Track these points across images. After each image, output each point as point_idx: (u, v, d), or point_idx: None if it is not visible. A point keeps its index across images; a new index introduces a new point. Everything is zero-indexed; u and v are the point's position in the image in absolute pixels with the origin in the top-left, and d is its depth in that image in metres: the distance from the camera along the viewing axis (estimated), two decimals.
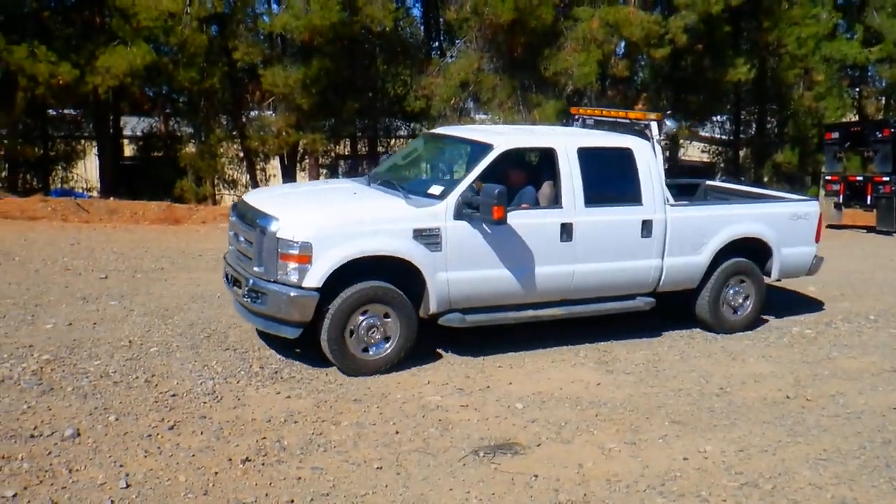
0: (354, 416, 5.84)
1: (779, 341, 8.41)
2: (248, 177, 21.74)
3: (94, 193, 21.30)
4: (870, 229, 18.40)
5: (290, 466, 5.02)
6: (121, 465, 4.86)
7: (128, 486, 4.62)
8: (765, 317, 9.11)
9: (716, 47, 21.32)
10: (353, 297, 6.56)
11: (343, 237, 6.51)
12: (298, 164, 22.32)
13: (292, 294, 6.38)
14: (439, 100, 18.84)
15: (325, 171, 22.38)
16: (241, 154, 21.55)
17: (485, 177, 7.03)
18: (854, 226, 18.90)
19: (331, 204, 7.26)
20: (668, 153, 24.96)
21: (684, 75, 22.43)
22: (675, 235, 7.92)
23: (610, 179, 7.80)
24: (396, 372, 6.81)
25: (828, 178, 19.65)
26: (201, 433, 5.39)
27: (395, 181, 7.54)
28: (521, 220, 7.10)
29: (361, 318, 6.64)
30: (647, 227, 7.76)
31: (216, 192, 20.85)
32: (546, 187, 7.56)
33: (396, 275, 6.73)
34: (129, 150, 25.20)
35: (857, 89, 27.03)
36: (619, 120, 8.83)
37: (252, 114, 21.18)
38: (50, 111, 20.62)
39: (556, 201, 7.42)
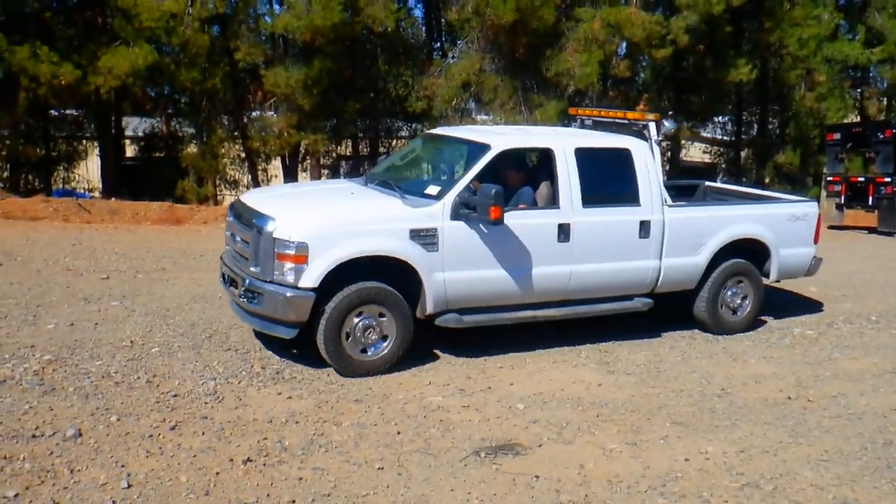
0: (356, 417, 5.85)
1: (780, 342, 8.41)
2: (250, 177, 21.74)
3: (96, 194, 21.29)
4: (871, 230, 18.40)
5: (291, 467, 5.02)
6: (122, 466, 4.87)
7: (129, 486, 4.63)
8: (765, 318, 9.12)
9: (717, 48, 21.31)
10: (349, 298, 6.55)
11: (339, 237, 6.51)
12: (300, 165, 22.31)
13: (288, 294, 6.37)
14: (441, 100, 18.84)
15: (326, 171, 22.36)
16: (243, 154, 21.56)
17: (482, 177, 7.03)
18: (855, 227, 18.88)
19: (327, 204, 7.26)
20: (669, 154, 25.00)
21: (686, 76, 22.42)
22: (673, 236, 7.91)
23: (608, 180, 7.80)
24: (398, 372, 6.81)
25: (829, 178, 19.65)
26: (203, 433, 5.39)
27: (393, 181, 7.53)
28: (518, 220, 7.10)
29: (358, 318, 6.63)
30: (644, 227, 7.75)
31: (218, 193, 20.85)
32: (544, 188, 7.55)
33: (393, 275, 6.72)
34: (130, 151, 25.19)
35: (859, 90, 27.01)
36: (617, 120, 8.82)
37: (254, 114, 21.18)
38: (52, 111, 20.61)
39: (553, 202, 7.42)
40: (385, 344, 6.76)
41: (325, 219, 6.71)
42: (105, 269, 10.03)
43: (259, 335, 7.32)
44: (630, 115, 8.74)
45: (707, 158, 28.43)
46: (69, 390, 5.95)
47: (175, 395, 5.98)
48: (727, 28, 21.00)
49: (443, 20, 22.78)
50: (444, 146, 8.57)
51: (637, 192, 7.75)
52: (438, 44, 23.74)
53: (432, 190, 7.05)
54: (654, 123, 8.15)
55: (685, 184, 11.02)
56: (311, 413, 5.85)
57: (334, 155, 23.33)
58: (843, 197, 18.97)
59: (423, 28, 24.25)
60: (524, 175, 7.78)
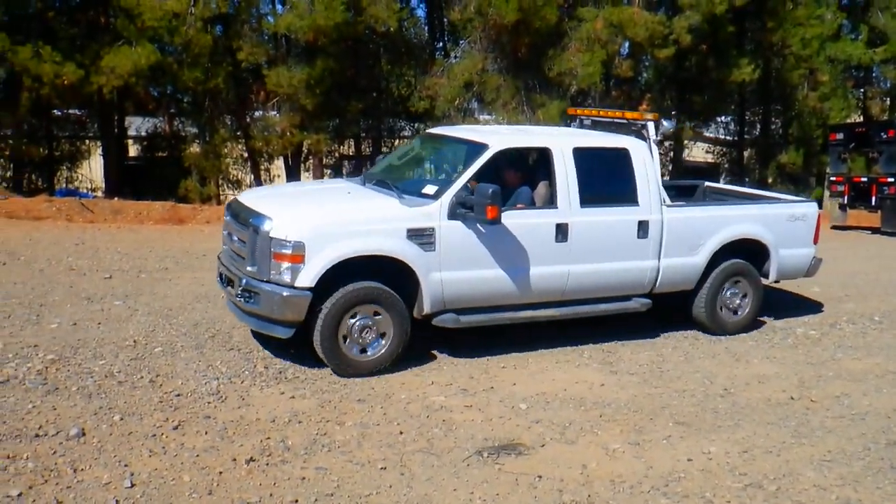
0: (358, 417, 5.85)
1: (783, 342, 8.40)
2: (252, 177, 21.76)
3: (99, 193, 21.32)
4: (874, 230, 18.36)
5: (294, 466, 5.02)
6: (125, 465, 4.87)
7: (132, 485, 4.63)
8: (766, 318, 9.10)
9: (720, 48, 21.30)
10: (345, 298, 6.53)
11: (336, 237, 6.49)
12: (302, 165, 22.33)
13: (285, 294, 6.36)
14: (443, 100, 18.84)
15: (329, 171, 22.39)
16: (246, 154, 21.57)
17: (480, 176, 7.01)
18: (859, 227, 18.84)
19: (324, 203, 7.23)
20: (672, 154, 25.00)
21: (688, 76, 22.41)
22: (671, 236, 7.89)
23: (606, 180, 7.78)
24: (400, 372, 6.82)
25: (832, 178, 19.62)
26: (206, 433, 5.40)
27: (390, 181, 7.50)
28: (515, 220, 7.08)
29: (354, 318, 6.61)
30: (643, 227, 7.73)
31: (220, 193, 20.85)
32: (541, 187, 7.53)
33: (390, 275, 6.71)
34: (133, 151, 25.21)
35: (862, 90, 26.98)
36: (616, 120, 8.80)
37: (256, 114, 21.20)
38: (55, 111, 20.63)
39: (551, 201, 7.39)
40: (382, 344, 6.74)
41: (322, 218, 6.69)
42: (108, 269, 10.04)
43: (257, 335, 7.31)
44: (629, 114, 8.73)
45: (710, 158, 28.41)
46: (72, 390, 5.96)
47: (178, 395, 5.99)
48: (730, 28, 20.98)
49: (445, 20, 22.79)
50: (442, 146, 8.56)
51: (635, 191, 7.73)
52: (441, 43, 23.75)
53: (429, 189, 7.04)
54: (652, 123, 8.14)
55: (685, 184, 11.01)
56: (313, 413, 5.85)
57: (337, 155, 23.36)
58: (846, 197, 18.95)
59: (426, 28, 24.26)
60: (522, 175, 7.75)
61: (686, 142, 25.45)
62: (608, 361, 7.46)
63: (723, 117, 26.35)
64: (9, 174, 20.75)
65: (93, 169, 23.12)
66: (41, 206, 14.05)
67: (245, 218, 6.84)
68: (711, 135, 27.67)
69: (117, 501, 4.46)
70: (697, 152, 28.54)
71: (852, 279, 11.92)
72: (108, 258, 10.74)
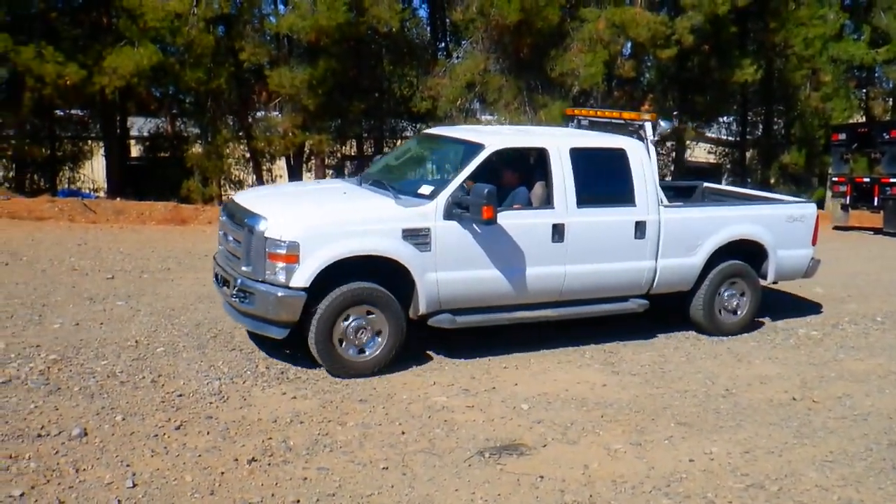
0: (360, 417, 5.85)
1: (785, 343, 8.40)
2: (255, 177, 21.77)
3: (101, 194, 21.34)
4: (877, 231, 18.35)
5: (295, 467, 5.03)
6: (127, 465, 4.87)
7: (134, 485, 4.63)
8: (767, 319, 9.07)
9: (722, 48, 21.29)
10: (340, 298, 6.51)
11: (331, 237, 6.47)
12: (305, 165, 22.35)
13: (280, 294, 6.34)
14: (445, 100, 18.85)
15: (331, 171, 22.41)
16: (248, 155, 21.59)
17: (476, 177, 6.97)
18: (861, 227, 18.84)
19: (319, 203, 7.22)
20: (674, 154, 24.99)
21: (691, 76, 22.40)
22: (668, 237, 7.87)
23: (603, 180, 7.74)
24: (402, 373, 6.82)
25: (835, 179, 19.62)
26: (207, 433, 5.40)
27: (386, 181, 7.49)
28: (512, 220, 7.06)
29: (349, 319, 6.59)
30: (640, 228, 7.71)
31: (222, 193, 20.86)
32: (538, 188, 7.51)
33: (385, 275, 6.68)
34: (135, 151, 25.25)
35: (865, 90, 26.97)
36: (613, 120, 8.79)
37: (258, 114, 21.21)
38: (57, 112, 20.66)
39: (548, 202, 7.36)
40: (377, 345, 6.71)
41: (317, 218, 6.67)
42: (110, 269, 10.05)
43: (256, 336, 7.30)
44: (626, 115, 8.70)
45: (712, 159, 28.40)
46: (74, 390, 5.96)
47: (180, 395, 5.99)
48: (732, 28, 20.98)
49: (447, 20, 22.79)
50: (439, 146, 8.52)
51: (632, 192, 7.70)
52: (443, 44, 23.77)
53: (425, 190, 7.01)
54: (649, 124, 8.11)
55: (683, 184, 10.99)
56: (315, 413, 5.86)
57: (339, 155, 23.37)
58: (848, 197, 18.93)
59: (428, 28, 24.28)
60: (519, 175, 7.71)
61: (688, 142, 25.45)
62: (610, 362, 7.46)
63: (725, 118, 26.35)
64: (11, 174, 20.79)
65: (95, 169, 23.16)
66: (43, 207, 14.08)
67: (240, 218, 6.81)
68: (714, 135, 27.67)
69: (119, 501, 4.46)
70: (700, 153, 28.53)
71: (854, 280, 11.91)
72: (111, 258, 10.75)
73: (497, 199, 6.71)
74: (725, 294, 8.42)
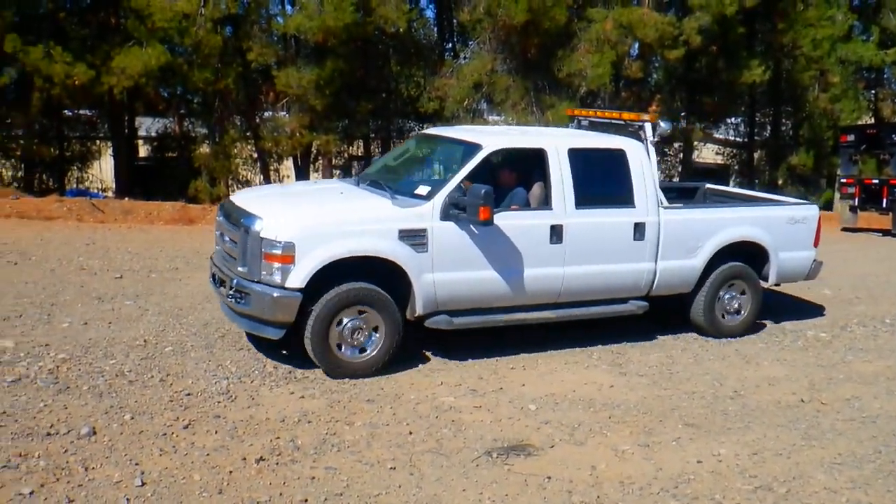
0: (368, 417, 5.86)
1: (793, 345, 8.37)
2: (262, 177, 21.82)
3: (109, 194, 21.41)
4: (885, 232, 18.28)
5: (303, 466, 5.03)
6: (136, 464, 4.89)
7: (143, 484, 4.65)
8: (766, 321, 9.00)
9: (730, 49, 21.25)
10: (336, 299, 6.47)
11: (327, 237, 6.44)
12: (312, 165, 22.39)
13: (275, 294, 6.31)
14: (452, 101, 18.86)
15: (338, 171, 22.45)
16: (255, 155, 21.64)
17: (473, 177, 6.93)
18: (869, 229, 18.78)
19: (316, 204, 7.20)
20: (681, 155, 24.94)
21: (698, 77, 22.37)
22: (668, 238, 7.82)
23: (602, 181, 7.70)
24: (408, 373, 6.83)
25: (843, 180, 19.53)
26: (216, 432, 5.42)
27: (384, 181, 7.45)
28: (509, 221, 7.02)
29: (346, 319, 6.56)
30: (639, 229, 7.66)
31: (230, 193, 20.91)
32: (536, 188, 7.45)
33: (382, 276, 6.65)
34: (143, 151, 25.33)
35: (873, 91, 26.87)
36: (613, 121, 8.75)
37: (266, 114, 21.26)
38: (65, 112, 20.75)
39: (546, 203, 7.31)
40: (374, 346, 6.69)
41: (313, 218, 6.64)
42: (118, 269, 10.08)
43: (249, 337, 7.29)
44: (626, 115, 8.67)
45: (720, 160, 28.35)
46: (83, 389, 5.98)
47: (188, 394, 6.01)
48: (740, 29, 20.93)
49: (454, 21, 22.82)
50: (437, 146, 8.46)
51: (632, 193, 7.64)
52: (450, 44, 23.77)
53: (422, 190, 6.97)
54: (649, 124, 8.08)
55: (685, 185, 10.94)
56: (323, 413, 5.86)
57: (346, 155, 23.40)
58: (856, 199, 18.85)
59: (435, 29, 24.30)
60: (517, 175, 7.66)
61: (696, 143, 25.40)
62: (617, 363, 7.45)
63: (733, 119, 26.30)
64: (20, 174, 20.88)
65: (103, 169, 23.24)
66: (52, 207, 14.12)
67: (236, 218, 6.78)
68: (721, 136, 27.61)
69: (128, 500, 4.47)
70: (707, 154, 28.49)
71: (863, 281, 11.87)
72: (119, 258, 10.78)
73: (494, 199, 6.68)
74: (726, 296, 8.36)
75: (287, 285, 6.33)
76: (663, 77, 23.09)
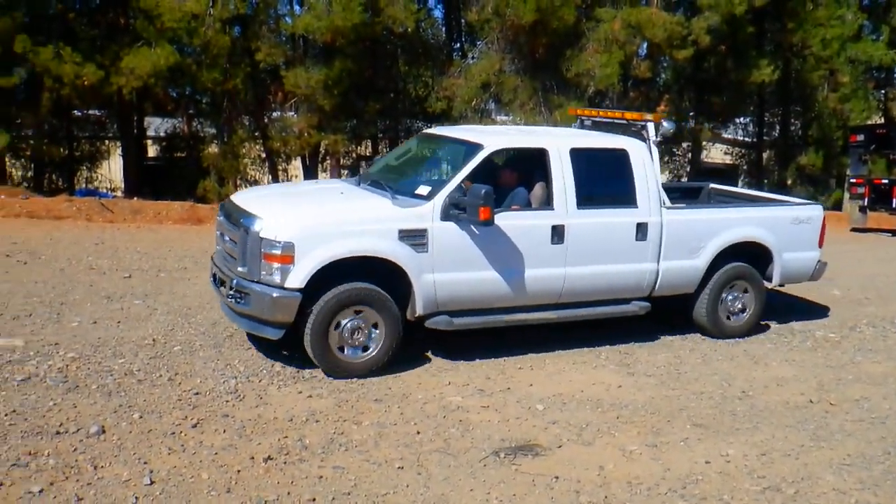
0: (375, 416, 5.86)
1: (802, 345, 8.35)
2: (270, 177, 21.87)
3: (118, 193, 21.52)
4: (895, 233, 18.20)
5: (311, 465, 5.04)
6: (145, 462, 4.91)
7: (152, 482, 4.67)
8: (769, 322, 8.94)
9: (739, 48, 21.20)
10: (336, 299, 6.45)
11: (326, 237, 6.42)
12: (320, 165, 22.43)
13: (275, 295, 6.29)
14: (460, 101, 18.87)
15: (346, 171, 22.49)
16: (264, 154, 21.69)
17: (474, 177, 6.89)
18: (879, 229, 18.70)
19: (315, 204, 7.18)
20: (690, 155, 24.90)
21: (707, 76, 22.32)
22: (671, 239, 7.77)
23: (604, 181, 7.66)
24: (416, 372, 6.83)
25: (852, 180, 19.45)
26: (224, 431, 5.43)
27: (384, 181, 7.41)
28: (510, 221, 6.99)
29: (345, 319, 6.53)
30: (641, 229, 7.62)
31: None
32: (538, 188, 7.42)
33: (382, 276, 6.63)
34: (152, 151, 25.43)
35: (883, 91, 26.72)
36: (616, 121, 8.73)
37: (274, 114, 21.31)
38: (75, 112, 20.85)
39: (547, 203, 7.28)
40: (373, 346, 6.67)
41: (313, 219, 6.62)
42: (127, 268, 10.12)
43: (249, 338, 7.29)
44: (628, 115, 8.63)
45: (728, 160, 28.28)
46: (92, 388, 6.01)
47: (197, 393, 6.03)
48: (749, 28, 20.88)
49: (463, 21, 22.84)
50: (438, 146, 8.41)
51: (634, 193, 7.60)
52: (458, 44, 23.80)
53: (423, 190, 6.94)
54: (652, 124, 8.04)
55: (690, 186, 10.88)
56: (331, 412, 5.87)
57: (354, 155, 23.44)
58: (866, 199, 18.77)
59: (443, 28, 24.33)
60: (518, 175, 7.62)
61: (704, 143, 25.34)
62: (625, 363, 7.44)
63: (742, 118, 26.23)
64: (30, 174, 21.00)
65: (112, 169, 23.36)
66: (61, 206, 14.18)
67: (237, 218, 6.77)
68: (730, 136, 27.55)
69: (137, 498, 4.49)
70: (716, 154, 28.42)
71: (872, 282, 11.81)
72: (128, 258, 10.82)
73: (496, 199, 6.65)
74: (729, 297, 8.32)
75: (286, 285, 6.31)
76: (672, 77, 23.06)
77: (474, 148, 7.20)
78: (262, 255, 6.35)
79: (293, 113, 20.51)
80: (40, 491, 4.48)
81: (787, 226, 8.54)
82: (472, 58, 20.28)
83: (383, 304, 6.62)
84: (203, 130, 21.88)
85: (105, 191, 22.55)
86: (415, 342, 7.28)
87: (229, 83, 18.46)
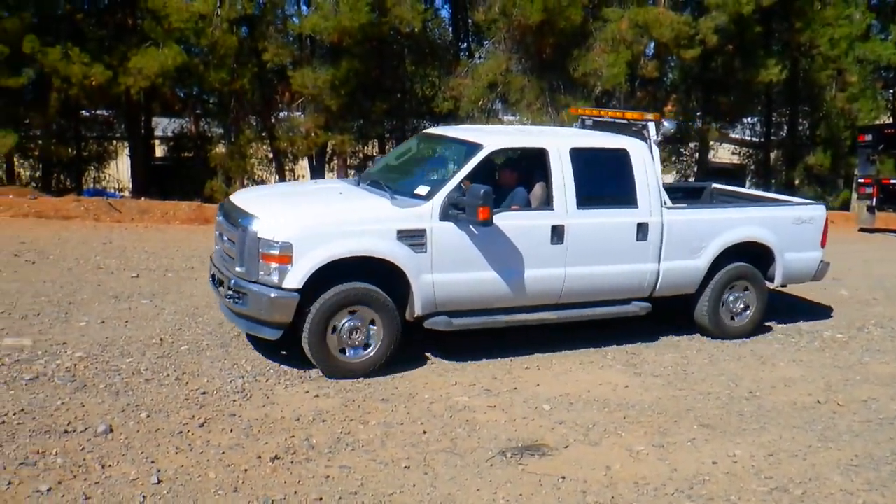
0: (382, 416, 5.87)
1: (809, 345, 8.32)
2: (277, 177, 21.94)
3: (126, 193, 21.60)
4: None
5: (318, 465, 5.05)
6: (152, 461, 4.92)
7: (159, 481, 4.68)
8: (771, 322, 8.90)
9: (747, 48, 21.17)
10: (334, 299, 6.41)
11: (324, 237, 6.39)
12: (327, 165, 22.47)
13: (272, 295, 6.25)
14: (467, 101, 18.89)
15: (353, 171, 22.54)
16: (271, 154, 21.76)
17: (474, 177, 6.85)
18: (887, 229, 18.63)
19: (314, 204, 7.15)
20: (697, 155, 24.85)
21: (714, 76, 22.29)
22: (672, 239, 7.73)
23: (604, 181, 7.61)
24: (423, 372, 6.83)
25: (861, 180, 19.38)
26: (231, 431, 5.44)
27: (384, 181, 7.37)
28: (510, 221, 6.96)
29: (344, 319, 6.50)
30: (642, 229, 7.57)
31: None
32: (538, 188, 7.38)
33: (381, 276, 6.60)
34: (160, 151, 25.53)
35: (892, 91, 26.68)
36: (617, 120, 8.71)
37: (281, 115, 21.37)
38: (83, 112, 20.94)
39: (547, 203, 7.24)
40: (372, 346, 6.64)
41: (311, 219, 6.59)
42: (135, 268, 10.14)
43: (249, 338, 7.31)
44: (629, 114, 8.59)
45: (736, 160, 28.22)
46: (100, 387, 6.03)
47: (204, 393, 6.04)
48: (757, 28, 20.85)
49: (470, 21, 22.86)
50: (438, 146, 8.36)
51: (634, 193, 7.56)
52: (465, 44, 23.82)
53: (422, 190, 6.90)
54: (653, 124, 8.01)
55: (692, 185, 10.83)
56: (337, 412, 5.88)
57: (361, 155, 23.48)
58: (874, 199, 18.70)
59: (450, 28, 24.34)
60: (518, 175, 7.59)
61: (712, 143, 25.30)
62: (632, 363, 7.42)
63: (749, 118, 26.18)
64: (38, 174, 21.10)
65: (120, 169, 23.44)
66: (69, 206, 14.23)
67: (235, 218, 6.74)
68: (737, 136, 27.49)
69: (144, 497, 4.50)
70: (724, 153, 28.36)
71: (880, 282, 11.77)
72: (136, 257, 10.85)
73: (495, 199, 6.62)
74: (731, 297, 8.27)
75: (284, 286, 6.28)
76: (679, 77, 23.03)
77: (474, 148, 7.16)
78: (259, 255, 6.31)
79: (300, 113, 20.56)
80: (48, 489, 4.49)
81: (788, 226, 8.50)
82: (479, 58, 20.28)
83: (382, 305, 6.58)
84: (210, 130, 21.95)
85: (113, 191, 22.63)
86: (421, 342, 7.28)
87: (236, 83, 18.52)
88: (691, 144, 24.76)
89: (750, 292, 8.36)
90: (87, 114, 21.38)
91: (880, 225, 18.76)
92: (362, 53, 18.74)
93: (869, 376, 7.39)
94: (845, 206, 22.72)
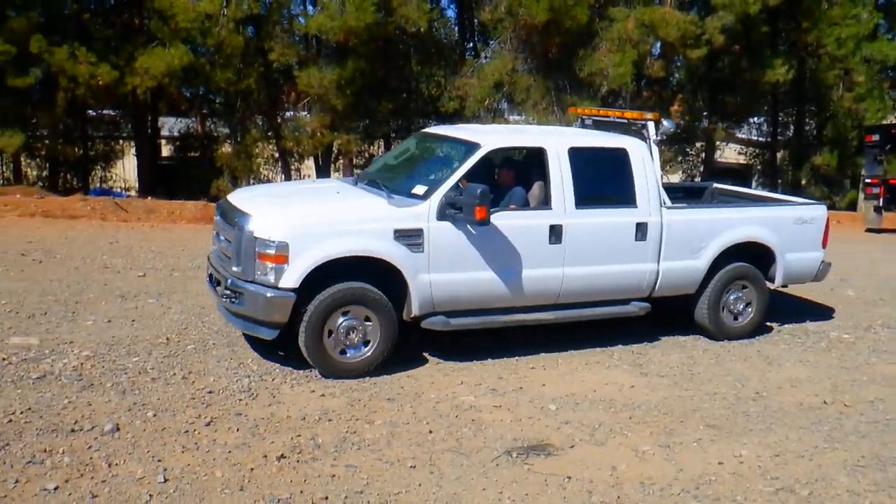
0: (388, 415, 5.87)
1: (816, 346, 8.30)
2: (283, 177, 21.95)
3: (133, 193, 21.63)
4: None
5: (324, 464, 5.06)
6: (159, 460, 4.94)
7: (166, 480, 4.69)
8: (772, 323, 8.87)
9: (753, 48, 21.11)
10: (330, 299, 6.41)
11: (321, 237, 6.38)
12: (333, 165, 22.48)
13: (269, 294, 6.25)
14: (473, 100, 18.88)
15: (359, 171, 22.56)
16: (277, 154, 21.77)
17: (471, 176, 6.82)
18: (894, 230, 18.57)
19: (310, 203, 7.14)
20: (703, 155, 24.80)
21: (721, 76, 22.23)
22: (671, 239, 7.70)
23: (603, 180, 7.59)
24: (429, 372, 6.83)
25: (867, 181, 19.32)
26: (237, 430, 5.45)
27: (381, 180, 7.35)
28: (507, 220, 6.94)
29: (340, 319, 6.50)
30: (641, 229, 7.54)
31: None
32: (536, 188, 7.36)
33: (378, 276, 6.59)
34: (166, 150, 25.54)
35: None
36: (616, 120, 8.67)
37: (287, 114, 21.39)
38: (90, 112, 20.96)
39: (545, 202, 7.21)
40: (369, 346, 6.62)
41: (307, 218, 6.58)
42: (141, 267, 10.17)
43: (247, 338, 7.31)
44: (628, 114, 8.57)
45: (742, 160, 28.16)
46: (107, 386, 6.04)
47: (210, 392, 6.05)
48: (763, 28, 20.80)
49: (475, 20, 22.85)
50: (436, 145, 8.31)
51: (633, 193, 7.53)
52: (471, 44, 23.79)
53: (419, 189, 6.88)
54: (652, 123, 7.98)
55: (693, 185, 10.79)
56: (343, 411, 5.89)
57: (367, 155, 23.49)
58: (881, 199, 18.63)
59: (456, 28, 24.33)
60: (516, 175, 7.57)
61: (718, 143, 25.25)
62: (638, 363, 7.42)
63: (756, 118, 26.10)
64: (45, 174, 21.14)
65: (126, 169, 23.48)
66: (76, 206, 14.27)
67: (232, 217, 6.73)
68: (744, 136, 27.42)
69: (151, 496, 4.52)
70: (730, 153, 28.30)
71: (887, 283, 11.73)
72: (142, 257, 10.88)
73: (493, 199, 6.60)
74: (731, 297, 8.24)
75: (281, 285, 6.28)
76: (685, 76, 22.98)
77: (472, 147, 7.13)
78: (256, 255, 6.31)
79: (306, 113, 20.57)
80: (55, 488, 4.51)
81: (789, 226, 8.47)
82: (485, 57, 20.28)
83: (379, 304, 6.57)
84: (216, 130, 21.97)
85: (119, 190, 22.67)
86: (424, 342, 7.29)
87: (243, 83, 18.54)
88: (697, 144, 24.70)
89: (750, 292, 8.33)
90: (94, 113, 21.41)
91: (887, 225, 18.70)
92: (368, 53, 18.74)
93: (876, 377, 7.37)
94: (852, 206, 22.64)
